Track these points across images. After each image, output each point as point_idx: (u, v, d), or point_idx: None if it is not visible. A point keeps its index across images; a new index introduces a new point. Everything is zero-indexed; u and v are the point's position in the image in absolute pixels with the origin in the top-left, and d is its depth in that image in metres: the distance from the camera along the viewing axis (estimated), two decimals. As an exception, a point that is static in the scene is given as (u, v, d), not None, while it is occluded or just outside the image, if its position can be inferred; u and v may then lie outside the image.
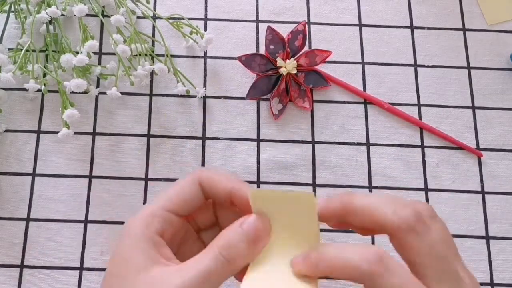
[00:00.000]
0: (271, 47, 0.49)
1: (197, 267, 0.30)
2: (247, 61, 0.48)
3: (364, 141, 0.48)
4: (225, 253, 0.30)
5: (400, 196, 0.32)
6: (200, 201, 0.35)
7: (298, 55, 0.49)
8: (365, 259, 0.28)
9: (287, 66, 0.48)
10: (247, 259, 0.32)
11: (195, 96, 0.49)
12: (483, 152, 0.48)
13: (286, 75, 0.48)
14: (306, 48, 0.50)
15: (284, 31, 0.50)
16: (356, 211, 0.31)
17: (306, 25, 0.50)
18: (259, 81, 0.48)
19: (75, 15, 0.45)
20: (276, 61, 0.48)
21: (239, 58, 0.48)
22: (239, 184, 0.34)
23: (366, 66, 0.51)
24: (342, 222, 0.33)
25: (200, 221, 0.37)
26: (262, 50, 0.51)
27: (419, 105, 0.49)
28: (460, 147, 0.48)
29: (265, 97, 0.49)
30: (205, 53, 0.50)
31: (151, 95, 0.49)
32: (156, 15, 0.51)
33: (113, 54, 0.49)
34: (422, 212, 0.31)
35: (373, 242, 0.45)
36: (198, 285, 0.30)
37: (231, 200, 0.34)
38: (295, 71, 0.48)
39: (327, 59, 0.49)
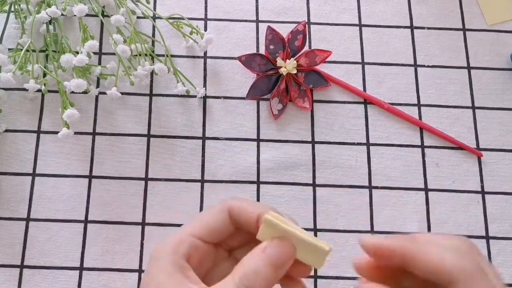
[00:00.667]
0: (271, 47, 0.49)
1: None
2: (247, 61, 0.48)
3: (364, 141, 0.48)
4: (246, 281, 0.31)
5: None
6: (228, 230, 0.35)
7: (298, 55, 0.49)
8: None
9: (287, 66, 0.48)
10: (269, 285, 0.32)
11: (195, 96, 0.49)
12: (483, 152, 0.48)
13: (286, 75, 0.48)
14: (306, 48, 0.50)
15: (284, 31, 0.50)
16: (415, 259, 0.30)
17: (306, 25, 0.50)
18: (259, 81, 0.48)
19: (75, 15, 0.45)
20: (276, 61, 0.48)
21: (239, 58, 0.48)
22: (266, 209, 0.33)
23: (366, 66, 0.51)
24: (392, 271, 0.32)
25: (231, 243, 0.37)
26: (262, 50, 0.51)
27: (419, 105, 0.49)
28: (460, 147, 0.48)
29: (265, 97, 0.49)
30: (205, 53, 0.50)
31: (151, 95, 0.49)
32: (156, 15, 0.51)
33: (113, 54, 0.49)
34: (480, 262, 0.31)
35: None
36: None
37: (258, 225, 0.34)
38: (295, 71, 0.48)
39: (327, 59, 0.49)
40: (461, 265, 0.29)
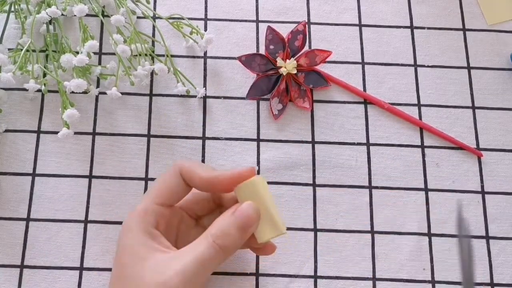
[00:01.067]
0: (271, 47, 0.49)
1: (193, 253, 0.34)
2: (247, 61, 0.48)
3: (364, 141, 0.48)
4: (219, 241, 0.34)
5: None
6: (184, 190, 0.39)
7: (298, 55, 0.49)
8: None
9: (287, 66, 0.48)
10: (238, 245, 0.36)
11: (195, 96, 0.49)
12: (483, 152, 0.48)
13: (286, 75, 0.48)
14: (306, 48, 0.50)
15: (284, 31, 0.50)
16: None
17: (306, 25, 0.50)
18: (259, 81, 0.48)
19: (75, 15, 0.45)
20: (276, 61, 0.48)
21: (239, 58, 0.48)
22: (215, 174, 0.37)
23: (366, 66, 0.51)
24: None
25: (197, 209, 0.41)
26: (262, 50, 0.51)
27: (419, 105, 0.49)
28: (460, 147, 0.48)
29: (265, 97, 0.49)
30: (205, 53, 0.50)
31: (151, 95, 0.49)
32: (156, 15, 0.51)
33: (113, 54, 0.49)
34: None
35: (373, 244, 0.45)
36: (195, 270, 0.33)
37: (212, 189, 0.38)
38: (295, 71, 0.48)
39: (327, 59, 0.49)
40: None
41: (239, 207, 0.36)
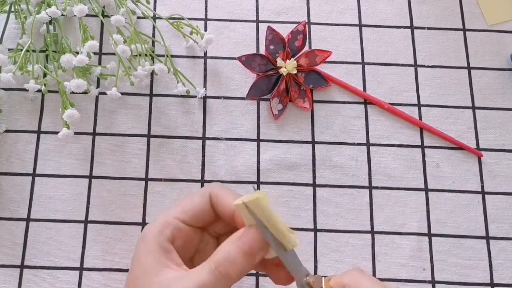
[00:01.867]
0: (271, 47, 0.49)
1: (196, 279, 0.33)
2: (247, 61, 0.48)
3: (364, 141, 0.48)
4: (221, 268, 0.33)
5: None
6: (210, 215, 0.37)
7: (298, 55, 0.49)
8: None
9: (287, 66, 0.48)
10: (244, 272, 0.34)
11: (195, 96, 0.49)
12: (483, 152, 0.48)
13: (286, 75, 0.48)
14: (306, 48, 0.50)
15: (284, 31, 0.50)
16: None
17: (306, 25, 0.50)
18: (259, 81, 0.48)
19: (75, 15, 0.45)
20: (276, 61, 0.48)
21: (239, 58, 0.48)
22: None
23: (366, 66, 0.51)
24: None
25: (217, 230, 0.39)
26: (262, 50, 0.51)
27: (419, 105, 0.49)
28: (460, 147, 0.48)
29: (265, 97, 0.49)
30: (205, 53, 0.50)
31: (151, 95, 0.49)
32: (156, 15, 0.51)
33: (113, 54, 0.49)
34: None
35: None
36: None
37: (234, 223, 0.36)
38: (295, 71, 0.48)
39: (327, 59, 0.49)
40: None
41: (245, 232, 0.34)
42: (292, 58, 0.49)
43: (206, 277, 0.33)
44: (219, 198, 0.36)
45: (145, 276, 0.34)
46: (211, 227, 0.39)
